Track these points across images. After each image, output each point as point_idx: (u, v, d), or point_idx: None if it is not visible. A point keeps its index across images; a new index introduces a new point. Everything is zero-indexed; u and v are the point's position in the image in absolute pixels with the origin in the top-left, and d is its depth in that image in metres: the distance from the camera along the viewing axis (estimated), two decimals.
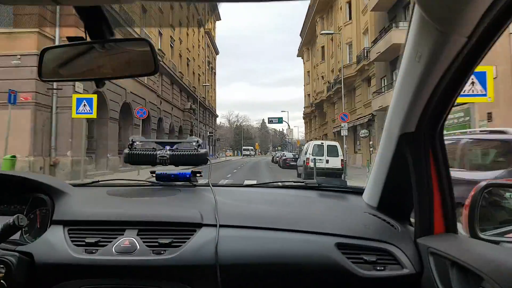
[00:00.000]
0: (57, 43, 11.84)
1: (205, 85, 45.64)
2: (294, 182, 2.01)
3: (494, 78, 6.69)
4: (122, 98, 19.25)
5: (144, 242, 1.31)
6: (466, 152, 5.24)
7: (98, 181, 1.93)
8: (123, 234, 1.34)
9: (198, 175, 1.83)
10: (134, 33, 19.58)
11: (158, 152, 1.74)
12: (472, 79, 6.32)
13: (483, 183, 1.25)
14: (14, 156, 11.79)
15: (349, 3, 30.55)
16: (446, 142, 1.21)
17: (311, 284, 1.27)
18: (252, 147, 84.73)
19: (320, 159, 16.42)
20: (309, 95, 52.58)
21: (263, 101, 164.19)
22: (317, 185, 1.90)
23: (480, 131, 5.58)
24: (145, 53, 0.98)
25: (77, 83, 15.34)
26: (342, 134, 18.90)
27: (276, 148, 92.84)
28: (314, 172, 14.60)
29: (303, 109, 58.63)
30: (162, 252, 1.29)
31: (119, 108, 18.97)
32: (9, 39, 13.56)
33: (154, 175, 1.84)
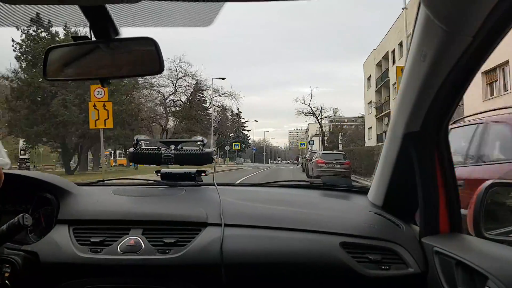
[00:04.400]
0: None
1: None
2: (299, 181, 2.01)
3: None
4: None
5: (149, 241, 1.32)
6: None
7: (103, 180, 1.94)
8: (128, 233, 1.34)
9: (203, 174, 1.83)
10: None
11: (163, 152, 1.74)
12: None
13: (488, 182, 1.24)
14: None
15: None
16: None
17: (316, 283, 1.27)
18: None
19: None
20: None
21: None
22: (322, 184, 1.90)
23: None
24: (150, 52, 0.98)
25: None
26: None
27: (228, 147, 49.84)
28: None
29: None
30: (167, 251, 1.29)
31: None
32: None
33: (159, 174, 1.85)
